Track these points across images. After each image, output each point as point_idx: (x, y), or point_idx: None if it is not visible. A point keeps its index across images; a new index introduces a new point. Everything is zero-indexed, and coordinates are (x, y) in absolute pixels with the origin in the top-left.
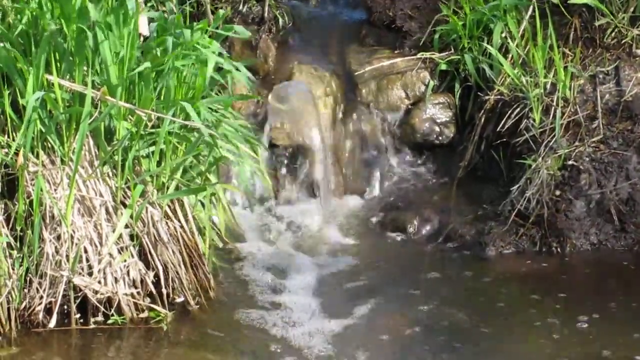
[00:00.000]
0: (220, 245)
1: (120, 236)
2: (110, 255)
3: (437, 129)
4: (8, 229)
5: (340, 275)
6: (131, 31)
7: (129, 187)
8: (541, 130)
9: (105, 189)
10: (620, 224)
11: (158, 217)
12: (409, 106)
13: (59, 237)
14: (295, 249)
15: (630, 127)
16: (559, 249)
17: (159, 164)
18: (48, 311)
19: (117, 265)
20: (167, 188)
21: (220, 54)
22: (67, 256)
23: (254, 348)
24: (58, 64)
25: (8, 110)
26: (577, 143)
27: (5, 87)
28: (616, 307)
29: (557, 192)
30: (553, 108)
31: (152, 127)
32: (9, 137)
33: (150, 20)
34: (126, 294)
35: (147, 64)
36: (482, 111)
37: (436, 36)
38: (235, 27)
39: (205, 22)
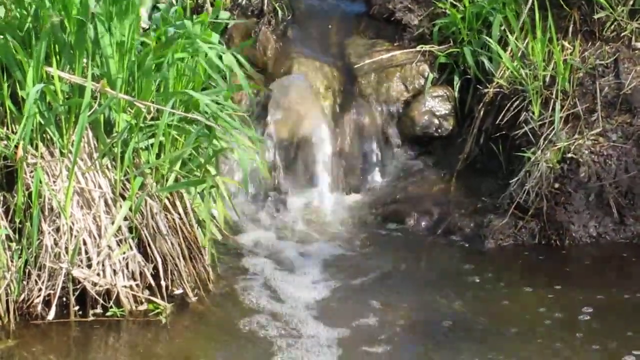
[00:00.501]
0: (220, 237)
1: (119, 228)
2: (109, 247)
3: (436, 121)
4: (7, 221)
5: (340, 267)
6: (132, 23)
7: (128, 180)
8: (540, 123)
9: (105, 181)
10: (620, 217)
11: (157, 209)
12: (409, 99)
13: (58, 229)
14: (294, 241)
15: (629, 119)
16: (558, 242)
17: (158, 156)
18: (47, 303)
19: (116, 257)
20: (167, 180)
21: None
22: (66, 248)
23: (253, 341)
24: (58, 56)
25: (7, 102)
26: (576, 136)
27: (5, 79)
28: (615, 299)
29: (556, 185)
30: (552, 101)
31: (152, 119)
32: (8, 129)
33: (153, 9)
34: (125, 286)
35: (150, 57)
36: (482, 104)
37: (435, 29)
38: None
39: (205, 14)
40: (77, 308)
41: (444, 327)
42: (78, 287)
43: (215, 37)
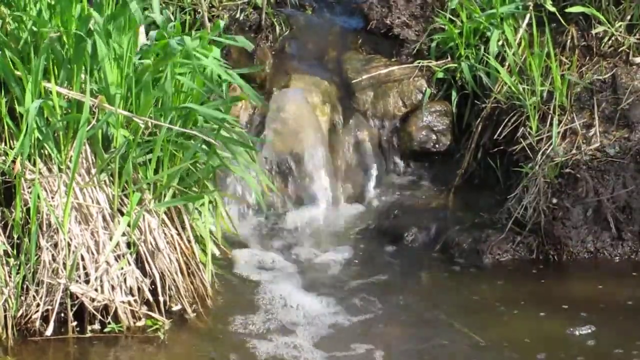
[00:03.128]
0: (218, 253)
1: (117, 244)
2: (107, 263)
3: (434, 136)
4: (5, 236)
5: (337, 283)
6: (131, 38)
7: (126, 195)
8: (538, 138)
9: (103, 196)
10: (618, 232)
11: (155, 225)
12: (406, 114)
13: (56, 245)
14: (292, 257)
15: (627, 134)
16: (555, 257)
17: (156, 171)
18: (45, 319)
19: (114, 273)
20: (165, 196)
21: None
22: (64, 264)
23: (252, 357)
24: (56, 72)
25: (5, 117)
26: (574, 151)
27: (2, 94)
28: (613, 315)
29: (554, 200)
30: (550, 116)
31: (150, 134)
32: (6, 144)
33: (149, 27)
34: (123, 302)
35: (149, 61)
36: (479, 119)
37: (433, 44)
38: (238, 38)
39: (204, 31)
40: (75, 324)
41: (440, 344)
42: (76, 302)
43: (216, 51)
